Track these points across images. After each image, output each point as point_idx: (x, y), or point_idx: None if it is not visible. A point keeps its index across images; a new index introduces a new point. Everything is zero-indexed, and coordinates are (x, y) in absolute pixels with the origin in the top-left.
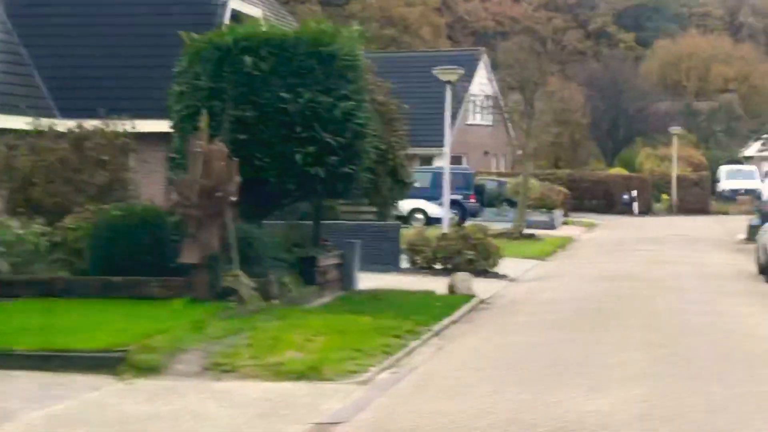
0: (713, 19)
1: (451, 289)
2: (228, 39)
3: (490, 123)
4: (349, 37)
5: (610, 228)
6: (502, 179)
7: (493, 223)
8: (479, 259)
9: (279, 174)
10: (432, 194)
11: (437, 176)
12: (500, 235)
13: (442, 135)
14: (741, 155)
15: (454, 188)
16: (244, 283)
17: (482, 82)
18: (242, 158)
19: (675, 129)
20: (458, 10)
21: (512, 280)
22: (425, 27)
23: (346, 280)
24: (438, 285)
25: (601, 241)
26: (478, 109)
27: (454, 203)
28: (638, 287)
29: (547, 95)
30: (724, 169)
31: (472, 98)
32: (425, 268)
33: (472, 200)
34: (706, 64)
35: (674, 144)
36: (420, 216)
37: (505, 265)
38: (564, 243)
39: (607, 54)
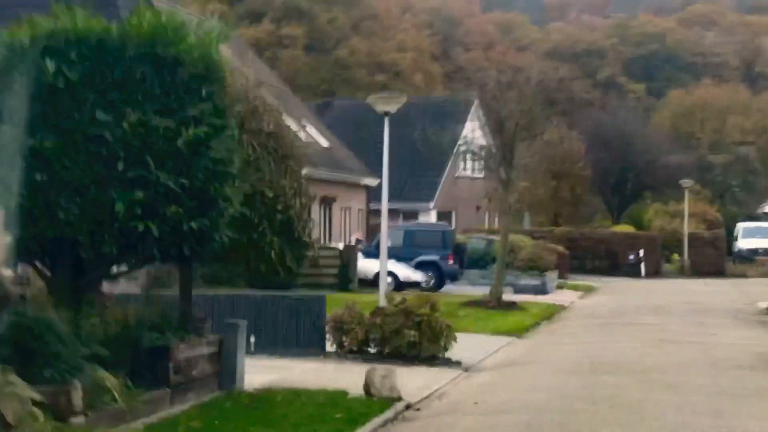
0: (729, 69)
1: (368, 388)
2: (23, 36)
3: (483, 175)
4: (203, 36)
5: (610, 293)
6: (492, 237)
7: (474, 287)
8: (424, 341)
9: (92, 231)
10: (405, 254)
11: (410, 234)
12: (474, 303)
13: (430, 188)
14: (759, 212)
15: (430, 248)
16: (16, 395)
17: (475, 131)
18: (39, 208)
19: (687, 182)
20: (458, 60)
21: (466, 369)
22: (418, 74)
23: (224, 376)
24: (362, 378)
25: (596, 311)
26: (468, 160)
27: (429, 265)
28: (626, 385)
29: (541, 143)
30: (741, 227)
31: (462, 148)
32: (354, 351)
33: (450, 261)
34: (722, 116)
35: (686, 199)
36: (389, 279)
37: (465, 346)
38: (551, 313)
39: (615, 104)
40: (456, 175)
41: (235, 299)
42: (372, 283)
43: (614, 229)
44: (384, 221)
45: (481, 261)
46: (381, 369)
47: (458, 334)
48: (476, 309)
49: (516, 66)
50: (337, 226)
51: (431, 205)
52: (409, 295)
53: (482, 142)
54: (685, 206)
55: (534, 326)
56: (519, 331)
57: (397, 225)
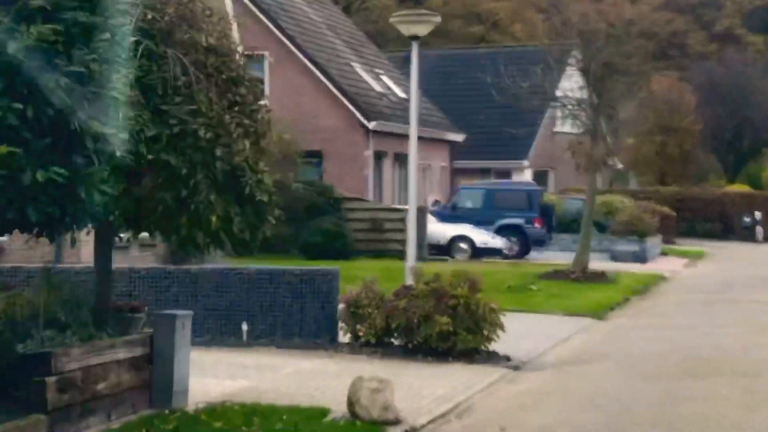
0: None
1: (352, 407)
2: None
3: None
4: None
5: (721, 260)
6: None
7: (565, 254)
8: (461, 331)
9: None
10: (483, 217)
11: (491, 194)
12: (555, 274)
13: (524, 145)
14: None
15: (514, 209)
16: None
17: (574, 82)
18: None
19: None
20: (566, 11)
21: (515, 366)
22: (517, 25)
23: (157, 389)
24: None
25: (701, 283)
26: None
27: (512, 229)
28: (723, 396)
29: (645, 94)
30: None
31: (561, 101)
32: (372, 344)
33: (537, 225)
34: None
35: None
36: (464, 246)
37: (525, 332)
38: (646, 285)
39: (732, 57)
40: (554, 130)
41: (222, 275)
42: (444, 249)
43: (728, 189)
44: (412, 168)
45: (574, 224)
46: (371, 380)
47: (523, 315)
48: (555, 281)
49: (627, 18)
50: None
51: (525, 162)
52: (455, 266)
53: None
54: None
55: (621, 304)
56: (600, 311)
57: (475, 183)
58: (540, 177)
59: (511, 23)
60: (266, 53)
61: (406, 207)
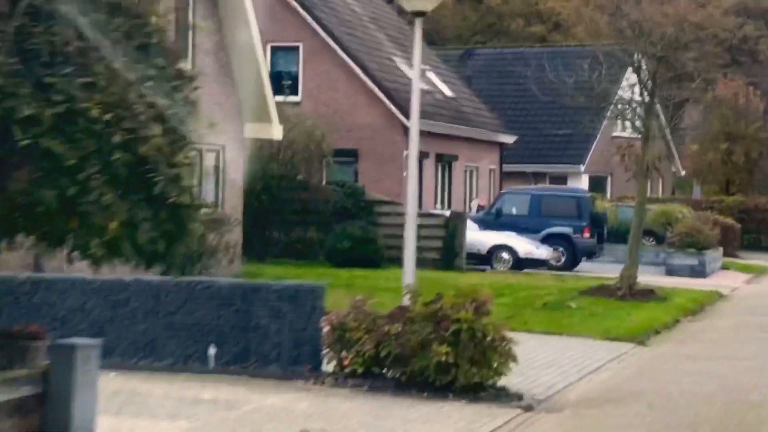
0: None
1: None
2: None
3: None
4: None
5: None
6: (648, 206)
7: (618, 266)
8: (463, 363)
9: None
10: (529, 225)
11: (537, 200)
12: (599, 290)
13: (581, 150)
14: None
15: (562, 217)
16: None
17: (635, 85)
18: None
19: None
20: (631, 14)
21: (527, 407)
22: (580, 26)
23: None
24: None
25: (763, 304)
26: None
27: (559, 238)
28: None
29: (710, 99)
30: None
31: (620, 105)
32: (358, 375)
33: (587, 235)
34: None
35: None
36: (506, 256)
37: (551, 359)
38: (701, 304)
39: None
40: (612, 134)
41: (189, 289)
42: (485, 259)
43: None
44: (412, 165)
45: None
46: None
47: (554, 338)
48: (599, 298)
49: (696, 22)
50: (459, 190)
51: (582, 168)
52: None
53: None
54: None
55: (668, 326)
56: (643, 334)
57: (520, 188)
58: (597, 183)
59: (573, 24)
60: (300, 44)
61: (445, 212)
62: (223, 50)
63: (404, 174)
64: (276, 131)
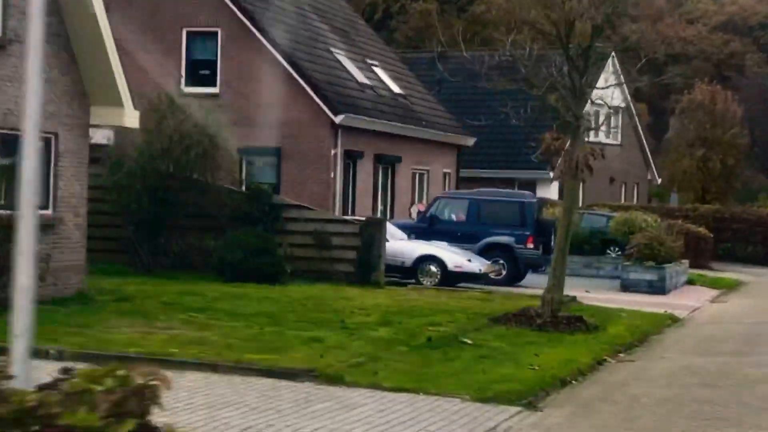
0: None
1: None
2: None
3: (619, 142)
4: None
5: (758, 293)
6: (615, 213)
7: (575, 279)
8: None
9: None
10: (467, 234)
11: (476, 206)
12: (515, 317)
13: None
14: None
15: (503, 225)
16: None
17: (608, 90)
18: None
19: None
20: (623, 31)
21: None
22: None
23: None
24: None
25: (722, 333)
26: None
27: (500, 249)
28: None
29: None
30: None
31: (593, 108)
32: None
33: (530, 245)
34: None
35: None
36: (434, 268)
37: None
38: (643, 334)
39: None
40: (584, 140)
41: None
42: (409, 271)
43: None
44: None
45: (586, 245)
46: None
47: (402, 401)
48: (512, 328)
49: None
50: (405, 194)
51: (551, 174)
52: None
53: (617, 103)
54: None
55: (585, 372)
56: (540, 391)
57: (461, 192)
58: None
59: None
60: (219, 30)
61: (361, 218)
62: (55, 15)
63: (331, 175)
64: (129, 118)
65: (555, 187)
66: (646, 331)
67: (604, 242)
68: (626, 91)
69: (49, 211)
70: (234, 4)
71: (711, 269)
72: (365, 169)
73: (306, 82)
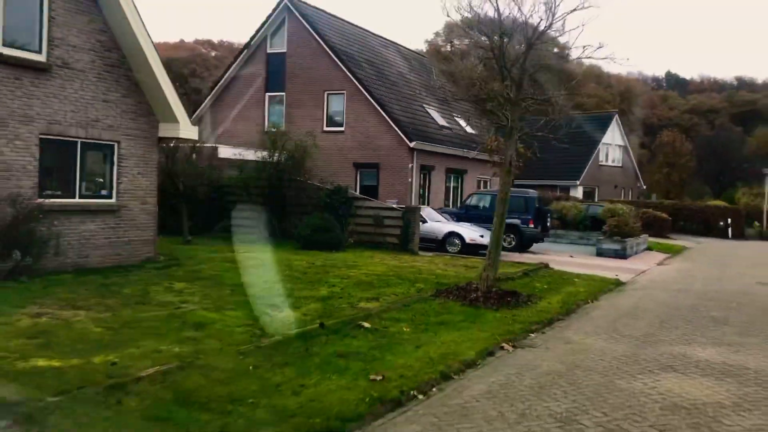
0: None
1: None
2: None
3: (620, 164)
4: None
5: (695, 257)
6: (601, 204)
7: (573, 246)
8: None
9: None
10: (489, 216)
11: (494, 199)
12: (456, 290)
13: (578, 170)
14: None
15: (513, 212)
16: None
17: (614, 136)
18: None
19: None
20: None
21: None
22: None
23: None
24: None
25: (649, 301)
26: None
27: (511, 228)
28: None
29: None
30: None
31: (604, 145)
32: None
33: (531, 225)
34: None
35: (767, 184)
36: (456, 241)
37: None
38: (574, 305)
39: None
40: (599, 163)
41: None
42: (441, 243)
43: (710, 203)
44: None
45: (581, 225)
46: None
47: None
48: (444, 302)
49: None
50: (465, 193)
51: (578, 182)
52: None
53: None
54: (766, 189)
55: (449, 376)
56: (389, 402)
57: (485, 190)
58: (588, 192)
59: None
60: (344, 92)
61: (402, 206)
62: (116, 51)
63: (409, 180)
64: (184, 131)
65: (580, 190)
66: (578, 301)
67: (595, 222)
68: (625, 139)
69: (113, 200)
70: (353, 76)
71: (669, 239)
72: (439, 177)
73: (393, 122)
